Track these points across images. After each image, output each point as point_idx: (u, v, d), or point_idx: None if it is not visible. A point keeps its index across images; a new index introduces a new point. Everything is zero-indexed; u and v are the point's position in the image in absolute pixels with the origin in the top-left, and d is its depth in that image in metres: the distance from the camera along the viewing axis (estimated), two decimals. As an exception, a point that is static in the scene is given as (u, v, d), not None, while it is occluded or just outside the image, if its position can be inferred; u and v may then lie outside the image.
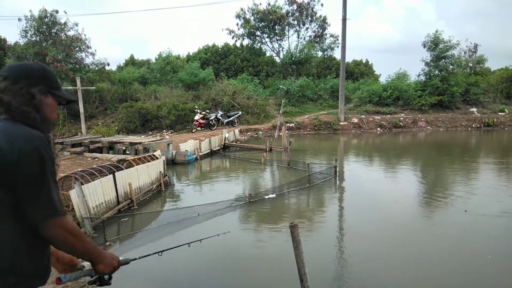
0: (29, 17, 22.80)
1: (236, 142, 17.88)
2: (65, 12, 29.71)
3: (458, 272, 5.00)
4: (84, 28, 34.83)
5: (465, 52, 32.52)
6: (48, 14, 23.11)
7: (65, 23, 23.91)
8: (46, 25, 23.21)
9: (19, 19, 22.94)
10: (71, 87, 18.46)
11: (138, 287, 4.30)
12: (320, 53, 34.30)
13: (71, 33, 24.17)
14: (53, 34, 23.68)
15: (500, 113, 27.07)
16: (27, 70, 1.53)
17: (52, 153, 1.47)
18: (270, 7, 30.85)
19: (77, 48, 23.91)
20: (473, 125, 25.29)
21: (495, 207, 7.62)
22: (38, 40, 23.33)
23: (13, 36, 42.21)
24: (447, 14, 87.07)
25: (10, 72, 1.51)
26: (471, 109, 27.59)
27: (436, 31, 27.01)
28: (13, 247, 1.41)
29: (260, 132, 22.03)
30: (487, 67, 35.16)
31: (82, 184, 6.63)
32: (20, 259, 1.43)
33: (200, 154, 13.99)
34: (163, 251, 2.30)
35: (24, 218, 1.41)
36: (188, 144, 13.88)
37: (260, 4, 31.18)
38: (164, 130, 22.05)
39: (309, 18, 31.95)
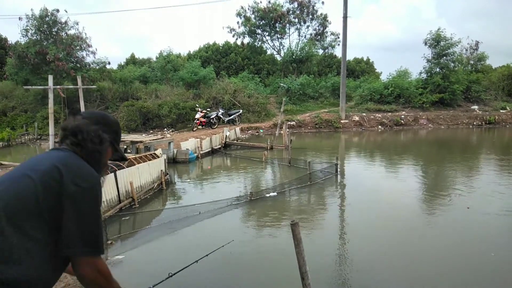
0: (30, 16, 22.84)
1: (237, 141, 17.89)
2: (66, 11, 29.74)
3: (461, 270, 5.00)
4: (84, 27, 34.84)
5: (466, 50, 32.46)
6: (49, 13, 23.14)
7: (65, 22, 23.96)
8: (47, 24, 23.25)
9: (20, 18, 23.01)
10: (72, 86, 18.46)
11: (135, 284, 4.30)
12: (321, 51, 34.24)
13: (71, 32, 24.23)
14: (54, 33, 23.73)
15: (501, 111, 27.01)
16: (106, 119, 1.71)
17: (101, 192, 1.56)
18: (270, 5, 30.77)
19: (77, 47, 23.95)
20: (475, 123, 25.24)
21: (497, 205, 7.61)
22: (39, 39, 23.37)
23: (14, 35, 42.28)
24: (448, 12, 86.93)
25: (91, 115, 1.67)
26: (473, 107, 27.54)
27: (438, 29, 26.98)
28: (38, 269, 1.39)
29: (261, 131, 22.03)
30: (489, 65, 35.09)
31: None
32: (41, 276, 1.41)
33: (201, 152, 14.00)
34: (174, 273, 2.38)
35: (56, 250, 1.41)
36: (189, 143, 13.90)
37: (261, 2, 31.13)
38: (165, 129, 22.08)
39: (310, 16, 31.87)
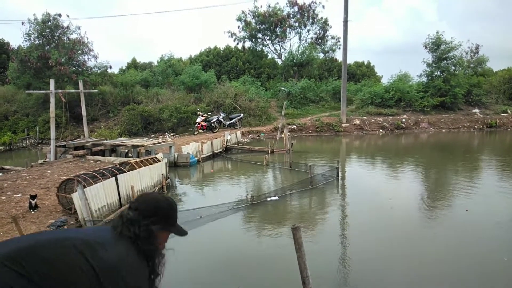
0: (33, 20, 22.97)
1: (238, 144, 17.90)
2: (68, 16, 29.90)
3: (461, 271, 4.99)
4: (86, 32, 34.99)
5: (466, 53, 32.48)
6: (51, 18, 23.26)
7: (67, 27, 24.08)
8: (49, 29, 23.38)
9: (22, 23, 23.15)
10: (73, 90, 18.52)
11: None
12: (321, 55, 34.31)
13: (73, 36, 24.34)
14: (56, 37, 23.85)
15: (502, 114, 27.00)
16: (156, 209, 1.73)
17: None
18: (271, 10, 30.90)
19: (79, 51, 24.05)
20: (476, 126, 25.23)
21: (497, 208, 7.60)
22: (41, 43, 23.48)
23: (15, 39, 42.47)
24: (449, 14, 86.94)
25: (142, 206, 1.72)
26: (474, 110, 27.53)
27: (437, 32, 27.00)
28: None
29: (262, 134, 22.04)
30: (489, 68, 35.11)
31: (84, 187, 6.64)
32: None
33: (202, 156, 14.01)
34: None
35: None
36: (190, 147, 13.90)
37: (261, 6, 31.34)
38: (166, 133, 22.11)
39: (311, 20, 31.97)
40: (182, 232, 1.83)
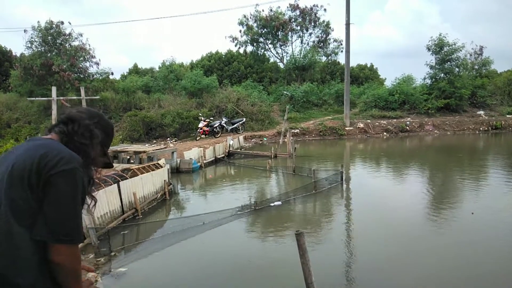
0: (36, 28, 23.11)
1: (240, 149, 17.82)
2: (70, 23, 30.03)
3: (463, 273, 4.86)
4: (88, 38, 35.17)
5: (470, 55, 32.31)
6: (54, 25, 23.41)
7: (69, 34, 24.20)
8: (51, 36, 23.50)
9: (24, 31, 23.29)
10: (75, 97, 18.55)
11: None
12: (324, 58, 34.26)
13: (75, 43, 24.45)
14: (58, 44, 23.96)
15: (508, 116, 26.80)
16: (101, 118, 1.68)
17: (85, 182, 1.49)
18: (272, 14, 30.93)
19: (81, 58, 24.15)
20: (481, 128, 25.04)
21: (504, 210, 7.46)
22: (43, 50, 23.60)
23: (17, 47, 42.78)
24: (452, 16, 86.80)
25: (88, 111, 1.66)
26: (478, 112, 27.36)
27: (440, 34, 26.93)
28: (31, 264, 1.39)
29: (265, 139, 21.96)
30: (494, 69, 34.94)
31: (85, 194, 6.55)
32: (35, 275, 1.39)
33: (204, 162, 13.93)
34: None
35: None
36: (193, 152, 13.83)
37: (263, 10, 31.28)
38: (168, 138, 22.07)
39: (312, 24, 31.95)
40: (110, 163, 1.76)
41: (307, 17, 31.46)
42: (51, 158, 1.38)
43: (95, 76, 25.52)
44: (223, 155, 15.69)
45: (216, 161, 14.97)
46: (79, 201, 1.44)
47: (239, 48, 33.57)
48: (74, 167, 1.41)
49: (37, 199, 1.36)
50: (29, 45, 23.52)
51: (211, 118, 22.58)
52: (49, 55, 23.35)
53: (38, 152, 1.40)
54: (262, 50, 33.73)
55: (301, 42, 32.73)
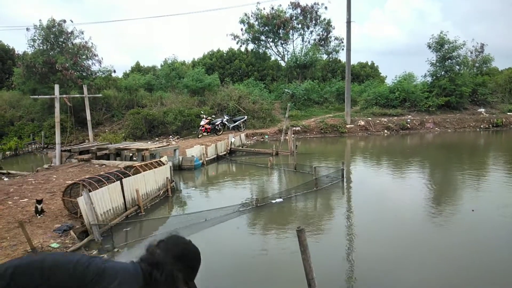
0: (38, 26, 23.17)
1: (242, 147, 17.89)
2: (72, 21, 30.10)
3: (465, 271, 4.94)
4: (91, 36, 35.12)
5: (471, 52, 32.22)
6: (56, 24, 23.45)
7: (71, 32, 24.24)
8: (53, 34, 23.54)
9: (27, 29, 23.36)
10: (78, 95, 18.63)
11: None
12: (325, 56, 34.28)
13: (77, 41, 24.50)
14: (60, 42, 24.01)
15: (508, 113, 26.76)
16: (185, 256, 1.69)
17: None
18: (273, 12, 30.94)
19: (84, 56, 24.20)
20: (482, 126, 25.02)
21: (504, 208, 7.52)
22: (45, 49, 23.66)
23: (20, 45, 42.82)
24: (453, 14, 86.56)
25: (174, 251, 1.67)
26: (479, 110, 27.32)
27: (441, 32, 26.87)
28: None
29: (266, 136, 22.02)
30: (495, 67, 34.83)
31: (90, 191, 6.66)
32: None
33: (206, 159, 14.01)
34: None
35: None
36: (194, 150, 13.91)
37: (264, 9, 31.32)
38: (171, 136, 22.15)
39: (313, 22, 31.97)
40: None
41: (308, 15, 31.48)
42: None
43: (97, 74, 25.58)
44: (224, 153, 15.77)
45: (218, 159, 15.05)
46: None
47: (241, 46, 33.67)
48: None
49: None
50: (32, 43, 23.60)
51: (213, 116, 22.65)
52: (51, 53, 23.40)
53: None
54: (264, 48, 33.78)
55: (302, 40, 32.81)
